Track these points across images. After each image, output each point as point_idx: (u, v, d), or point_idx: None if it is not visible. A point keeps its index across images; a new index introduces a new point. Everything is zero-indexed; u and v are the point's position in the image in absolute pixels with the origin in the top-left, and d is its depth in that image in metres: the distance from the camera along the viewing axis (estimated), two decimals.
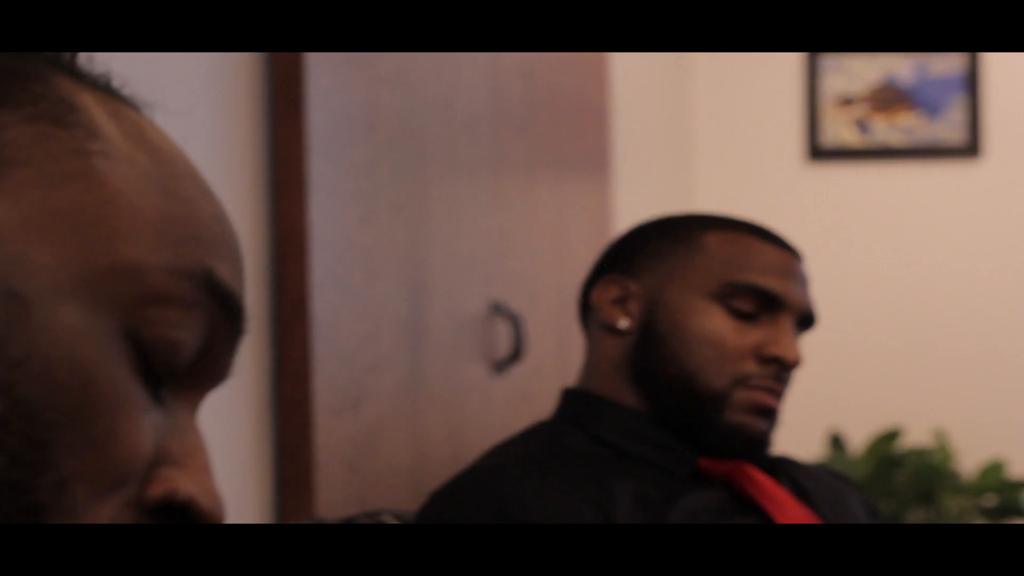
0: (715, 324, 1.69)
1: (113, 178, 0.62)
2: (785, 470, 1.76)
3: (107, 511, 0.60)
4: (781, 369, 1.69)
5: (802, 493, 1.74)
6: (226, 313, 0.64)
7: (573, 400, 1.76)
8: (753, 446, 1.69)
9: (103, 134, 0.63)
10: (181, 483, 0.62)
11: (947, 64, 4.44)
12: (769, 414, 1.69)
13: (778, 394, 1.70)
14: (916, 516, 4.20)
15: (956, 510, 4.21)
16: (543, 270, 3.16)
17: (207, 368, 0.65)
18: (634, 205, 3.92)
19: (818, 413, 4.49)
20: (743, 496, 1.68)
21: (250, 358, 2.26)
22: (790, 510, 1.67)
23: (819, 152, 4.52)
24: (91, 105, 0.64)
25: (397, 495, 2.52)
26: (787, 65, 4.55)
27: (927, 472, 4.20)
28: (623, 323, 1.72)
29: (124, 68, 2.00)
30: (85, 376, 0.59)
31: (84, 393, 0.59)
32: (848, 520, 1.74)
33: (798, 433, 4.43)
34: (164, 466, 0.63)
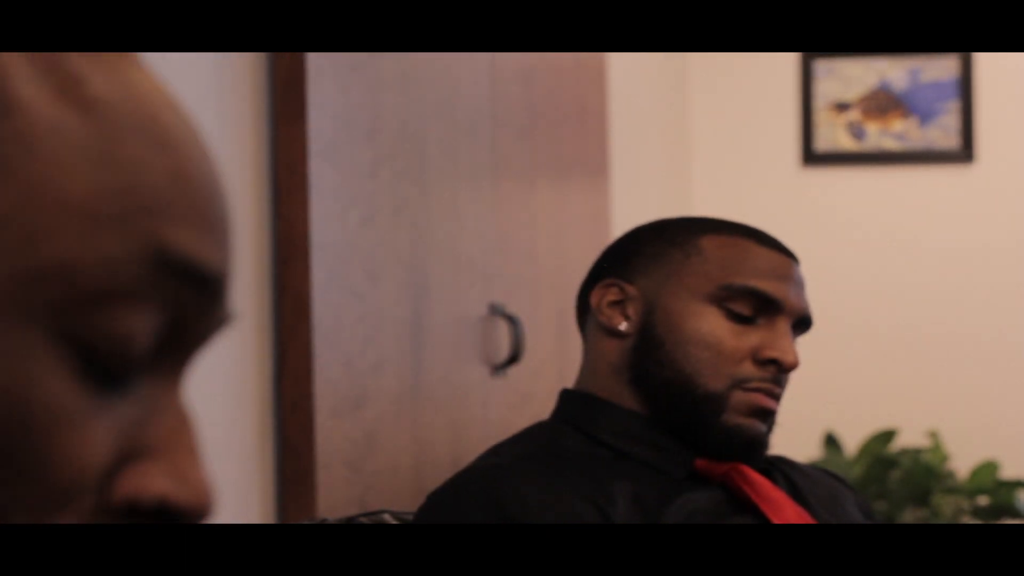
0: (712, 327, 1.70)
1: (29, 164, 0.53)
2: (781, 470, 1.77)
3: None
4: (778, 371, 1.70)
5: (798, 493, 1.75)
6: (194, 287, 0.57)
7: (571, 401, 1.77)
8: (751, 448, 1.69)
9: (20, 105, 0.54)
10: (151, 480, 0.56)
11: (940, 70, 4.47)
12: (767, 416, 1.70)
13: (776, 396, 1.71)
14: (910, 516, 4.22)
15: (950, 510, 4.23)
16: (542, 273, 3.17)
17: (184, 340, 0.58)
18: (632, 209, 3.94)
19: (813, 414, 4.51)
20: (739, 496, 1.69)
21: (252, 359, 2.28)
22: (786, 510, 1.68)
23: (814, 157, 4.54)
24: (12, 67, 0.54)
25: (398, 495, 2.54)
26: (782, 70, 4.57)
27: (921, 473, 4.22)
28: (623, 326, 1.73)
29: None
30: (12, 399, 0.52)
31: (12, 418, 0.52)
32: (843, 520, 1.75)
33: (793, 434, 4.45)
34: (136, 460, 0.56)
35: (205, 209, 0.57)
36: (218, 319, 0.59)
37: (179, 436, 0.57)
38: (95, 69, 0.56)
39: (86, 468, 0.54)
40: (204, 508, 0.57)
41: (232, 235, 0.60)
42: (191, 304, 0.57)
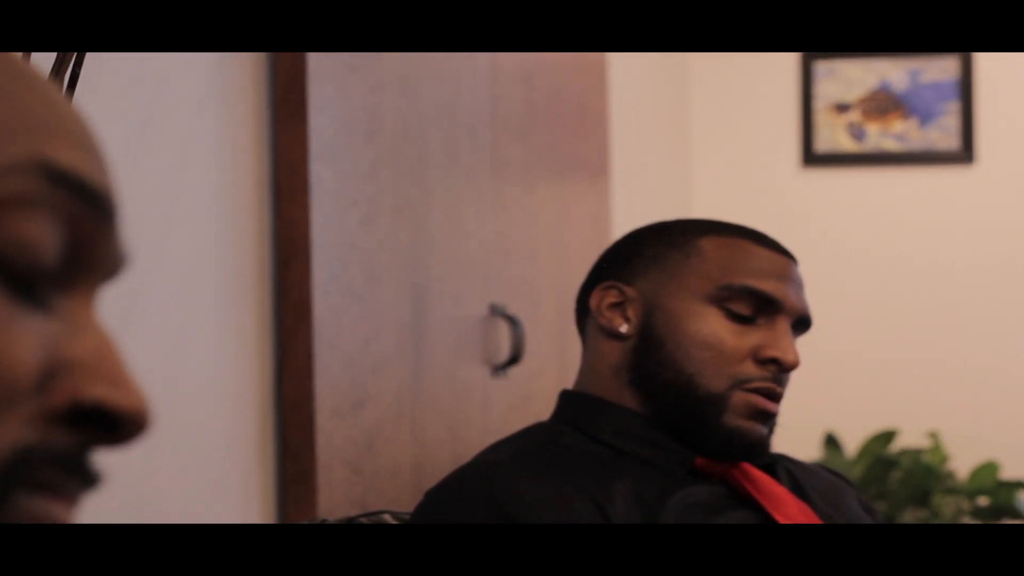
0: (712, 327, 1.70)
1: None
2: (783, 467, 1.78)
3: (3, 433, 0.56)
4: (779, 371, 1.70)
5: (800, 490, 1.75)
6: (83, 200, 0.60)
7: (571, 402, 1.78)
8: (752, 450, 1.70)
9: None
10: (87, 386, 0.58)
11: (940, 71, 4.47)
12: (768, 418, 1.71)
13: (776, 396, 1.71)
14: (910, 517, 4.22)
15: (950, 511, 4.23)
16: (542, 273, 3.18)
17: (88, 261, 0.61)
18: (632, 209, 3.94)
19: (813, 414, 4.51)
20: (740, 492, 1.70)
21: (252, 360, 2.29)
22: (788, 506, 1.68)
23: (814, 158, 4.55)
24: None
25: (398, 496, 2.54)
26: (782, 71, 4.57)
27: (921, 473, 4.22)
28: (623, 328, 1.73)
29: (129, 75, 2.02)
30: None
31: None
32: (846, 517, 1.76)
33: (793, 434, 4.45)
34: (66, 371, 0.58)
35: (81, 135, 0.61)
36: (118, 248, 0.61)
37: (105, 351, 0.59)
38: None
39: (20, 368, 0.56)
40: (143, 413, 0.59)
41: (110, 167, 0.63)
42: (87, 221, 0.59)
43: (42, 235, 0.58)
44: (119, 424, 0.58)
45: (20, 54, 0.61)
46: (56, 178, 0.59)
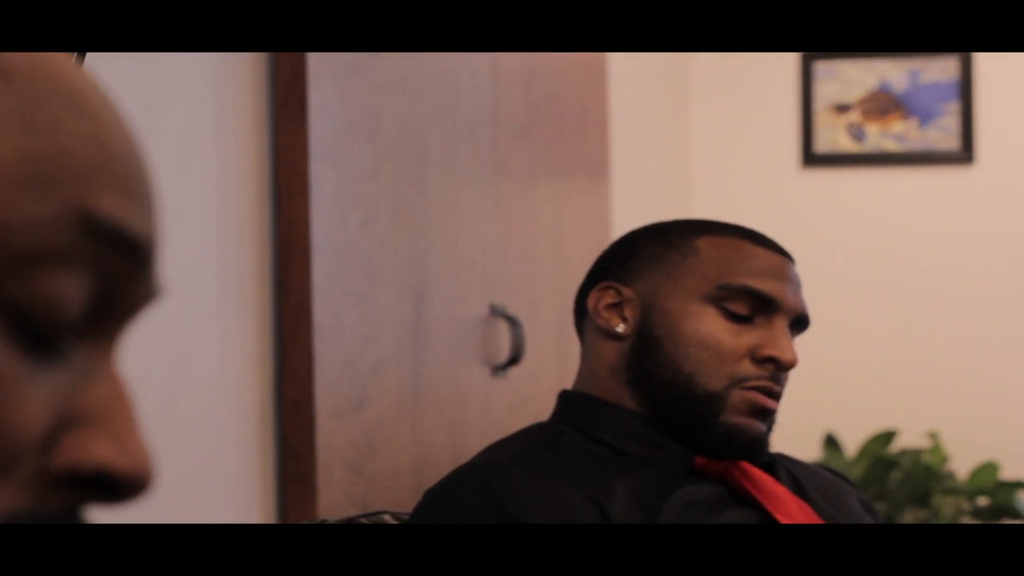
0: (710, 326, 1.70)
1: None
2: (783, 467, 1.78)
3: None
4: (777, 370, 1.71)
5: (800, 488, 1.75)
6: (122, 252, 0.56)
7: (570, 402, 1.78)
8: (751, 448, 1.70)
9: None
10: (90, 447, 0.55)
11: (940, 71, 4.47)
12: (766, 416, 1.71)
13: (775, 395, 1.72)
14: (910, 517, 4.23)
15: (950, 511, 4.24)
16: (542, 274, 3.18)
17: (115, 308, 0.57)
18: (632, 210, 3.94)
19: (813, 415, 4.51)
20: (740, 491, 1.70)
21: (253, 360, 2.29)
22: (787, 505, 1.69)
23: (814, 158, 4.55)
24: None
25: (398, 496, 2.54)
26: (782, 72, 4.57)
27: (921, 473, 4.22)
28: (620, 328, 1.74)
29: (129, 72, 2.02)
30: None
31: None
32: (846, 516, 1.76)
33: (793, 434, 4.45)
34: (73, 427, 0.56)
35: (128, 176, 0.57)
36: (149, 290, 0.58)
37: (116, 404, 0.57)
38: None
39: (23, 433, 0.53)
40: (144, 477, 0.56)
41: (157, 205, 0.60)
42: (120, 270, 0.56)
43: (72, 291, 0.55)
44: (119, 487, 0.56)
45: (73, 58, 0.56)
46: (96, 231, 0.55)
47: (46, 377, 0.55)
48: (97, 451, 0.55)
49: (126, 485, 0.56)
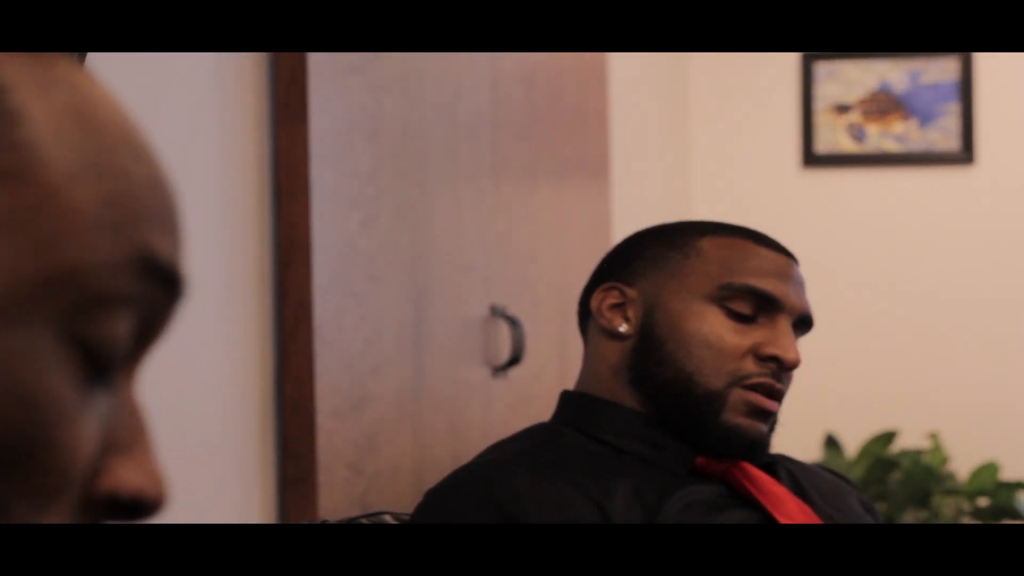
0: (713, 325, 1.70)
1: (44, 170, 0.56)
2: (783, 467, 1.78)
3: (49, 521, 0.57)
4: (779, 369, 1.71)
5: (800, 489, 1.75)
6: (164, 287, 0.60)
7: (571, 403, 1.78)
8: (752, 449, 1.70)
9: (29, 115, 0.56)
10: (126, 476, 0.59)
11: (940, 72, 4.47)
12: (767, 417, 1.71)
13: (777, 395, 1.72)
14: (911, 518, 4.23)
15: (950, 512, 4.24)
16: (543, 274, 3.18)
17: (150, 339, 0.61)
18: (632, 210, 3.94)
19: (814, 415, 4.51)
20: (740, 492, 1.70)
21: (253, 361, 2.29)
22: (788, 505, 1.69)
23: (814, 159, 4.55)
24: (15, 76, 0.56)
25: (399, 496, 2.55)
26: (783, 72, 4.57)
27: (921, 474, 4.23)
28: (623, 328, 1.74)
29: (129, 72, 2.02)
30: (22, 397, 0.55)
31: (20, 415, 0.55)
32: (847, 517, 1.76)
33: (794, 435, 4.45)
34: (109, 455, 0.59)
35: (172, 214, 0.61)
36: (170, 321, 0.62)
37: (141, 431, 0.60)
38: (79, 77, 0.59)
39: (80, 460, 0.57)
40: (165, 499, 0.61)
41: (184, 235, 0.64)
42: (159, 303, 0.60)
43: (129, 328, 0.59)
44: (146, 510, 0.60)
45: (81, 60, 0.61)
46: (154, 272, 0.59)
47: (97, 407, 0.58)
48: (133, 479, 0.59)
49: (152, 508, 0.60)
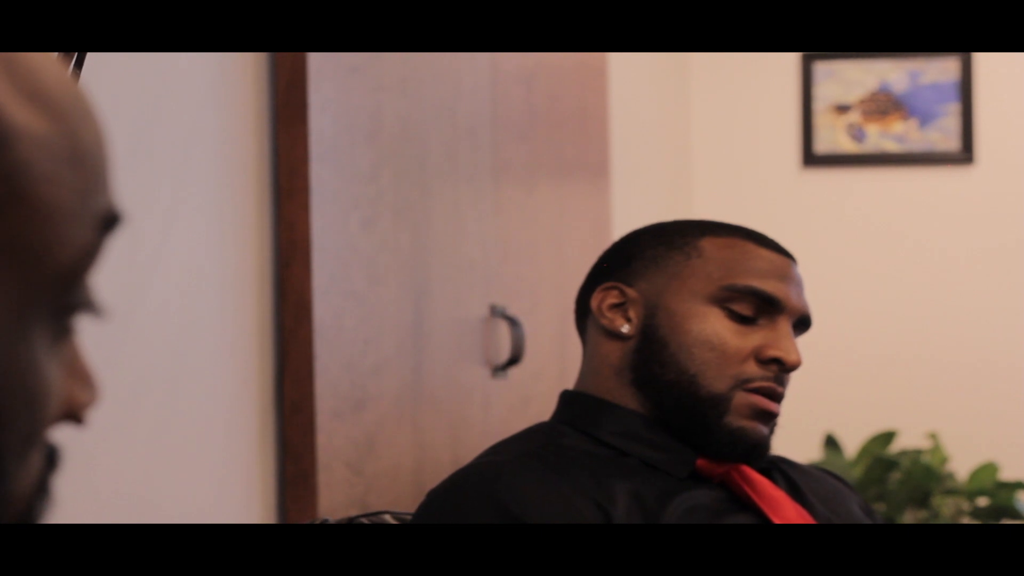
0: (715, 327, 1.70)
1: (33, 187, 0.59)
2: (781, 470, 1.78)
3: (31, 462, 0.61)
4: (781, 371, 1.71)
5: (798, 493, 1.75)
6: (111, 228, 0.64)
7: (572, 403, 1.78)
8: (753, 451, 1.70)
9: (16, 134, 0.59)
10: (84, 398, 0.64)
11: (940, 72, 4.47)
12: (769, 419, 1.71)
13: (778, 397, 1.72)
14: (910, 518, 4.23)
15: (950, 512, 4.24)
16: (543, 274, 3.18)
17: (88, 273, 0.65)
18: (633, 210, 3.94)
19: (813, 415, 4.51)
20: (739, 496, 1.70)
21: (253, 361, 2.29)
22: (785, 510, 1.69)
23: (814, 159, 4.55)
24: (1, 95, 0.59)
25: (398, 496, 2.55)
26: (782, 72, 4.57)
27: (921, 474, 4.22)
28: (624, 328, 1.74)
29: (129, 72, 2.02)
30: (21, 376, 0.60)
31: (18, 387, 0.60)
32: (845, 519, 1.76)
33: (793, 435, 4.45)
34: (69, 380, 0.65)
35: (109, 154, 0.64)
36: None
37: (79, 352, 0.65)
38: (39, 62, 0.61)
39: (55, 408, 0.63)
40: (96, 401, 0.66)
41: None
42: (104, 241, 0.64)
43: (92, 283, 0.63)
44: (82, 417, 0.65)
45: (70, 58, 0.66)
46: (110, 224, 0.63)
47: (63, 353, 0.63)
48: (88, 399, 0.65)
49: (87, 413, 0.65)
